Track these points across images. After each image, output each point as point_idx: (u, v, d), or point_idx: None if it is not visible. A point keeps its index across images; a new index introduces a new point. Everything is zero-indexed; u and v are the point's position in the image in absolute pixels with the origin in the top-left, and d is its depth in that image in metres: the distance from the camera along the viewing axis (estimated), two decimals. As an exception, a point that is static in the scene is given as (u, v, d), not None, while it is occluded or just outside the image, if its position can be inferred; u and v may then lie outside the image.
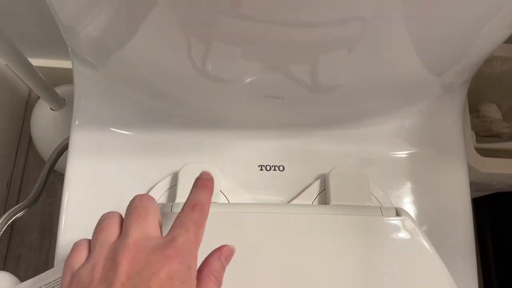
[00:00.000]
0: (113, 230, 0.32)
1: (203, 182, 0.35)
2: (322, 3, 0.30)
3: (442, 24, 0.34)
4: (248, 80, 0.40)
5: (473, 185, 0.53)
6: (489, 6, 0.33)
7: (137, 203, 0.33)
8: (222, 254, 0.34)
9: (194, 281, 0.30)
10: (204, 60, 0.38)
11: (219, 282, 0.32)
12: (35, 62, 0.72)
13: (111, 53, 0.41)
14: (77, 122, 0.50)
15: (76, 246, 0.32)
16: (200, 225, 0.33)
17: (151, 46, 0.38)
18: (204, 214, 0.34)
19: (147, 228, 0.31)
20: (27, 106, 1.00)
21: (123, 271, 0.28)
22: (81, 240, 0.32)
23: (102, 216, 0.33)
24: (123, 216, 0.33)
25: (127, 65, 0.43)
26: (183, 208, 0.33)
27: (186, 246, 0.30)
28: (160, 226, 0.33)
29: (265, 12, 0.31)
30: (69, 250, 0.47)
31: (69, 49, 0.47)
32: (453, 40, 0.37)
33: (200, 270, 0.32)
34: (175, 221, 0.33)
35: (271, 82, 0.41)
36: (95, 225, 0.33)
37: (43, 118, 0.86)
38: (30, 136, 0.92)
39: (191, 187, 0.35)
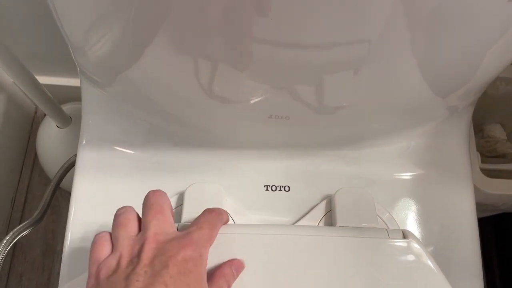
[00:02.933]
0: (133, 225, 0.35)
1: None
2: (329, 26, 0.30)
3: (448, 48, 0.34)
4: (254, 100, 0.41)
5: (479, 206, 0.53)
6: (494, 31, 0.33)
7: (153, 200, 0.36)
8: (233, 264, 0.37)
9: (205, 269, 0.34)
10: (210, 81, 0.38)
11: (229, 283, 0.36)
12: (42, 79, 0.73)
13: (118, 73, 0.42)
14: (84, 142, 0.50)
15: (98, 239, 0.34)
16: (214, 226, 0.37)
17: (157, 67, 0.38)
18: (220, 218, 0.38)
19: (164, 225, 0.35)
20: (33, 123, 1.00)
21: (145, 256, 0.32)
22: (102, 233, 0.35)
23: (117, 211, 0.36)
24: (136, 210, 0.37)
25: (134, 85, 0.43)
26: (202, 212, 0.38)
27: (199, 239, 0.34)
28: (173, 219, 0.37)
29: (272, 35, 0.31)
30: (74, 270, 0.47)
31: (78, 69, 0.47)
32: (458, 63, 0.37)
33: (212, 273, 0.36)
34: (192, 222, 0.37)
35: (277, 102, 0.41)
36: None
37: (49, 135, 0.86)
38: (36, 153, 0.93)
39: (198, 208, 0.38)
